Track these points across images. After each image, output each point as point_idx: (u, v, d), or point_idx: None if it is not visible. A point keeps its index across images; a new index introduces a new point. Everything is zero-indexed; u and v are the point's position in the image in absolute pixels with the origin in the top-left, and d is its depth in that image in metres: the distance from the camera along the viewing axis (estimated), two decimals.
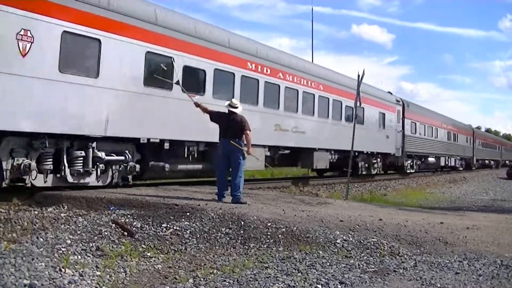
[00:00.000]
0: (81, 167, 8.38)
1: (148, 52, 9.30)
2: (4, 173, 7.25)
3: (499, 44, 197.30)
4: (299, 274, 4.58)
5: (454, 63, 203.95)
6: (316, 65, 17.20)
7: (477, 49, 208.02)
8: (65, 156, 8.17)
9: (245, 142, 8.04)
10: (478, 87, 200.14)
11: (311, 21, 75.81)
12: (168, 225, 6.08)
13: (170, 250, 5.42)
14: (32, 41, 7.25)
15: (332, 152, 16.74)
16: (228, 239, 5.83)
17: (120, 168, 9.22)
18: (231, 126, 8.04)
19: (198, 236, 5.85)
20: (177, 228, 6.01)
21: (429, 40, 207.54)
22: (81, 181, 8.51)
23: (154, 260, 5.05)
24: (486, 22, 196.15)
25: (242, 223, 6.21)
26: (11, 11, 7.01)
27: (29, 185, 7.68)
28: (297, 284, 4.28)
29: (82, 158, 8.40)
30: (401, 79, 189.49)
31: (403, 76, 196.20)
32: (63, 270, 4.35)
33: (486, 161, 50.41)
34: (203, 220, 6.31)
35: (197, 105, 8.69)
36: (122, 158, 9.14)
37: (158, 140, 9.67)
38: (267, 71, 13.02)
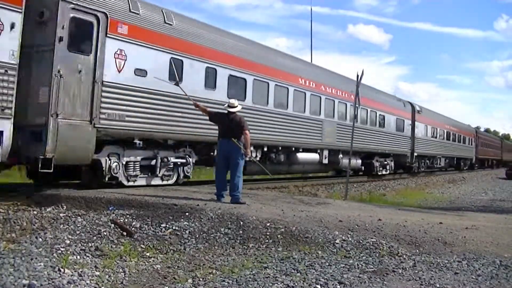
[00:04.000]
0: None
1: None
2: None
3: (496, 44, 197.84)
4: (298, 274, 4.58)
5: (452, 63, 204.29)
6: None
7: (475, 49, 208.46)
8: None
9: (243, 142, 8.03)
10: (476, 87, 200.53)
11: (311, 21, 75.91)
12: (167, 225, 6.08)
13: (169, 250, 5.42)
14: None
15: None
16: (227, 239, 5.83)
17: None
18: (231, 126, 8.04)
19: (197, 236, 5.84)
20: (176, 228, 6.01)
21: (426, 40, 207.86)
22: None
23: (153, 260, 5.05)
24: (483, 22, 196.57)
25: (241, 223, 6.21)
26: None
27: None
28: (296, 284, 4.28)
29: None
30: (399, 79, 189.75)
31: (401, 76, 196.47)
32: (62, 270, 4.35)
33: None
34: (202, 220, 6.31)
35: (196, 105, 8.70)
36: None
37: None
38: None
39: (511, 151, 66.87)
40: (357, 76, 12.81)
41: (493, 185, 25.65)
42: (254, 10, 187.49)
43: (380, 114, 20.35)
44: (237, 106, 8.21)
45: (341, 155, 16.95)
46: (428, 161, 28.13)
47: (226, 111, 8.25)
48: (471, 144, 39.33)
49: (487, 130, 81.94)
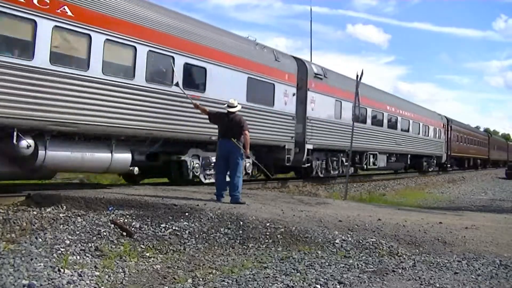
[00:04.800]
0: None
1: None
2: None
3: (495, 44, 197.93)
4: (298, 274, 4.58)
5: (452, 63, 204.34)
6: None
7: (474, 49, 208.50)
8: None
9: (243, 142, 8.03)
10: (476, 87, 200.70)
11: (310, 21, 75.24)
12: (167, 225, 6.08)
13: (169, 250, 5.42)
14: None
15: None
16: (227, 239, 5.83)
17: None
18: (230, 126, 8.04)
19: (197, 236, 5.85)
20: (176, 228, 6.01)
21: (425, 40, 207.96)
22: None
23: (153, 260, 5.05)
24: (482, 22, 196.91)
25: (241, 223, 6.21)
26: None
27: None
28: (296, 284, 4.28)
29: None
30: (398, 79, 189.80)
31: (400, 76, 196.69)
32: (62, 270, 4.35)
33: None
34: (202, 220, 6.31)
35: (196, 106, 8.70)
36: None
37: None
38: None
39: (502, 148, 56.85)
40: (357, 76, 12.80)
41: (492, 185, 25.67)
42: (253, 10, 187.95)
43: (187, 64, 10.22)
44: (236, 106, 8.21)
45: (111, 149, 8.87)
46: (346, 159, 16.76)
47: (225, 111, 8.26)
48: (440, 138, 29.31)
49: (486, 130, 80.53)
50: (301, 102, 14.34)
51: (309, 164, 15.03)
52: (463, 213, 10.24)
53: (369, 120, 19.05)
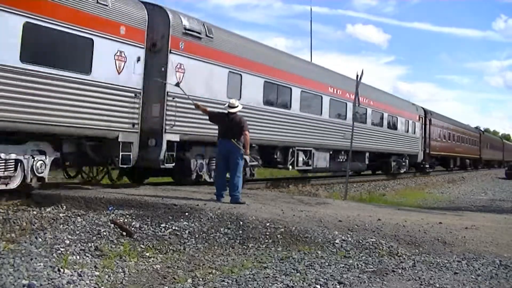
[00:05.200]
0: None
1: None
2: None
3: (495, 44, 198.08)
4: (298, 274, 4.58)
5: (451, 63, 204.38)
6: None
7: (473, 49, 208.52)
8: None
9: (243, 142, 8.03)
10: (476, 87, 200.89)
11: (310, 21, 75.24)
12: (167, 225, 6.08)
13: (168, 250, 5.42)
14: None
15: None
16: (226, 239, 5.83)
17: None
18: (230, 126, 8.05)
19: (196, 236, 5.85)
20: (176, 228, 6.01)
21: (425, 40, 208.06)
22: None
23: (152, 260, 5.06)
24: (482, 22, 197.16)
25: (241, 223, 6.21)
26: None
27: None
28: (295, 284, 4.28)
29: None
30: (398, 79, 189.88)
31: (400, 76, 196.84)
32: (61, 270, 4.35)
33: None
34: (202, 220, 6.31)
35: (196, 106, 8.70)
36: None
37: None
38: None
39: (496, 147, 51.84)
40: (357, 76, 12.80)
41: (492, 185, 25.64)
42: (253, 10, 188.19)
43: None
44: (237, 106, 8.21)
45: None
46: (259, 155, 12.47)
47: (226, 111, 8.26)
48: (414, 132, 23.97)
49: (486, 130, 78.63)
50: (158, 70, 9.43)
51: (173, 164, 9.59)
52: (463, 213, 10.23)
53: (296, 105, 13.63)
